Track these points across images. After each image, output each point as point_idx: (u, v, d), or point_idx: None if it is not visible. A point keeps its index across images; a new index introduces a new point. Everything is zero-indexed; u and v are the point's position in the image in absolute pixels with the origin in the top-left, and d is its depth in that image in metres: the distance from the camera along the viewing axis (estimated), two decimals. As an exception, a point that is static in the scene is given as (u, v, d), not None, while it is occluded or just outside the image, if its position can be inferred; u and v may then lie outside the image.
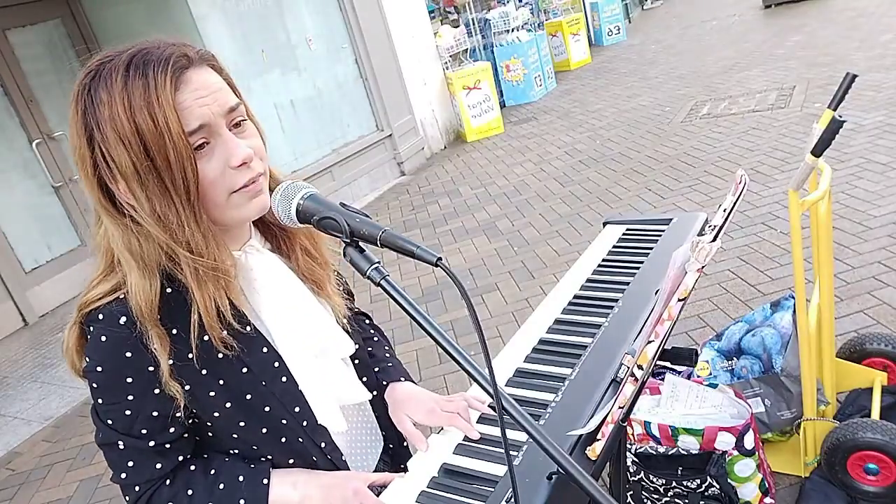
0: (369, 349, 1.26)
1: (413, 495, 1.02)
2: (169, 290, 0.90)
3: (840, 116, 1.65)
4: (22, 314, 5.35)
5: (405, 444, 1.25)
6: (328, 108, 6.63)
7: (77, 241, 5.86)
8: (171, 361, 0.89)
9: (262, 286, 0.98)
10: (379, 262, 0.78)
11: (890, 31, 7.22)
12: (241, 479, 0.99)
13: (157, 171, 0.84)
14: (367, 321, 1.34)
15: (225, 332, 0.91)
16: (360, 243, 0.80)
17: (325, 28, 6.64)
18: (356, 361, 1.18)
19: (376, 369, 1.23)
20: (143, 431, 0.94)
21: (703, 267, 0.89)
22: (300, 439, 1.03)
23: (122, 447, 0.95)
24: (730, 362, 2.35)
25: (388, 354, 1.29)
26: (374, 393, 1.21)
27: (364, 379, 1.18)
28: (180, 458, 0.99)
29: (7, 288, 5.26)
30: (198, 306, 0.89)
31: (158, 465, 0.96)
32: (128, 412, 0.92)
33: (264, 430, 1.00)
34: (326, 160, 6.52)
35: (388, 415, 1.22)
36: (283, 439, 1.02)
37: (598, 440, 0.96)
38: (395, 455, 1.24)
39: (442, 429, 1.15)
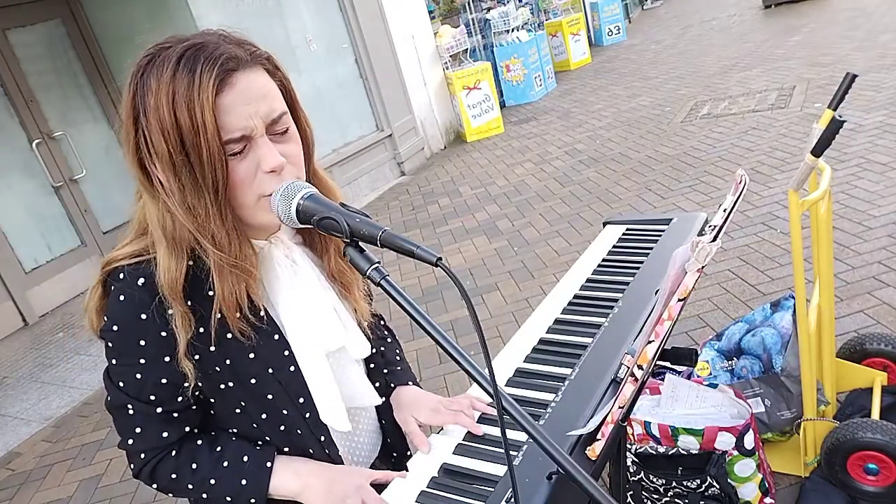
0: (381, 348, 1.26)
1: (413, 495, 1.02)
2: (194, 264, 0.92)
3: (840, 116, 1.65)
4: (22, 314, 5.35)
5: (409, 452, 1.25)
6: (328, 108, 6.63)
7: (77, 241, 5.87)
8: (188, 341, 0.91)
9: (283, 277, 0.99)
10: (379, 262, 0.78)
11: (890, 31, 7.22)
12: (245, 459, 1.00)
13: (191, 165, 0.85)
14: (382, 322, 1.34)
15: (242, 322, 0.93)
16: (360, 243, 0.80)
17: (325, 28, 6.64)
18: (371, 365, 1.18)
19: (385, 371, 1.24)
20: (152, 397, 0.95)
21: (703, 267, 0.89)
22: (299, 430, 1.04)
23: (131, 411, 0.96)
24: (730, 362, 2.35)
25: (398, 357, 1.29)
26: (384, 398, 1.21)
27: (377, 384, 1.18)
28: (187, 429, 1.01)
29: (7, 288, 5.26)
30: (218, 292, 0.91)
31: (165, 434, 0.98)
32: (138, 375, 0.94)
33: (264, 416, 1.02)
34: (326, 160, 6.51)
35: (395, 423, 1.22)
36: (282, 427, 1.03)
37: (597, 440, 0.96)
38: (398, 465, 1.24)
39: (442, 428, 1.16)
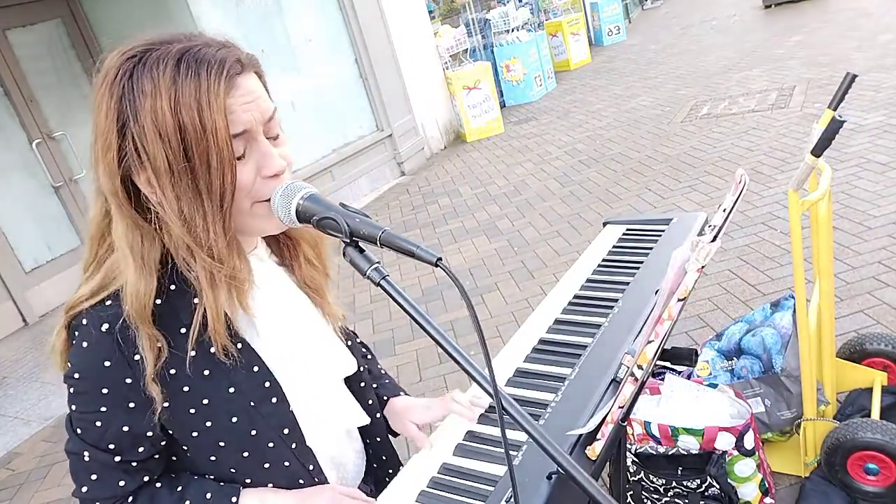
0: (365, 365, 1.23)
1: (413, 495, 1.02)
2: (173, 287, 0.88)
3: (840, 116, 1.65)
4: (22, 314, 5.36)
5: (391, 471, 1.22)
6: (328, 108, 6.62)
7: (77, 241, 5.86)
8: (157, 366, 0.86)
9: (263, 298, 0.95)
10: (379, 262, 0.77)
11: (890, 31, 7.22)
12: (208, 496, 0.94)
13: (193, 173, 0.82)
14: (357, 339, 1.29)
15: (227, 339, 0.88)
16: (360, 243, 0.79)
17: (325, 28, 6.64)
18: (361, 384, 1.15)
19: (375, 385, 1.23)
20: (111, 446, 0.90)
21: (702, 267, 0.89)
22: (286, 463, 0.99)
23: (87, 459, 0.91)
24: (730, 362, 2.35)
25: (382, 371, 1.30)
26: (378, 415, 1.19)
27: (370, 402, 1.15)
28: (146, 479, 0.95)
29: (7, 288, 5.26)
30: (205, 309, 0.86)
31: (122, 483, 0.92)
32: (98, 423, 0.89)
33: (245, 454, 0.95)
34: (326, 160, 6.52)
35: (380, 445, 1.20)
36: (267, 465, 0.98)
37: (597, 440, 0.96)
38: (382, 483, 1.19)
39: (439, 426, 1.16)
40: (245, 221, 0.89)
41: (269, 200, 0.87)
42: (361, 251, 0.79)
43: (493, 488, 0.98)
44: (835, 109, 1.74)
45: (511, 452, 0.93)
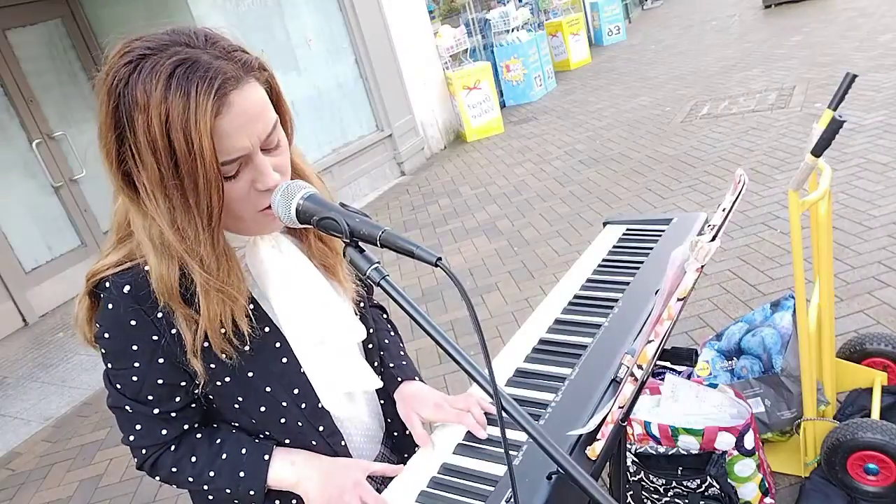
0: (385, 341, 1.27)
1: (413, 495, 1.02)
2: (181, 273, 0.91)
3: (840, 116, 1.65)
4: (22, 314, 5.35)
5: (408, 432, 1.25)
6: (328, 108, 6.62)
7: (77, 241, 5.86)
8: (194, 341, 0.92)
9: (271, 270, 0.98)
10: (378, 262, 0.77)
11: (890, 31, 7.22)
12: (243, 451, 1.02)
13: (183, 188, 0.83)
14: (385, 315, 1.35)
15: (225, 343, 0.93)
16: (360, 243, 0.79)
17: (325, 28, 6.64)
18: (369, 346, 1.18)
19: (391, 365, 1.24)
20: (150, 398, 0.97)
21: (702, 266, 0.89)
22: (299, 423, 1.04)
23: (130, 410, 0.98)
24: (730, 362, 2.35)
25: (401, 353, 1.30)
26: (382, 381, 1.21)
27: (375, 363, 1.18)
28: (186, 427, 1.02)
29: (7, 288, 5.26)
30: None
31: (164, 432, 1.01)
32: (134, 378, 0.95)
33: (262, 409, 1.02)
34: (326, 160, 6.52)
35: (395, 406, 1.23)
36: (283, 420, 1.04)
37: (597, 440, 0.96)
38: (399, 443, 1.25)
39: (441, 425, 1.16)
40: (249, 227, 0.93)
41: (268, 209, 0.89)
42: (361, 251, 0.79)
43: (493, 488, 0.98)
44: (835, 109, 1.73)
45: (511, 452, 0.93)
